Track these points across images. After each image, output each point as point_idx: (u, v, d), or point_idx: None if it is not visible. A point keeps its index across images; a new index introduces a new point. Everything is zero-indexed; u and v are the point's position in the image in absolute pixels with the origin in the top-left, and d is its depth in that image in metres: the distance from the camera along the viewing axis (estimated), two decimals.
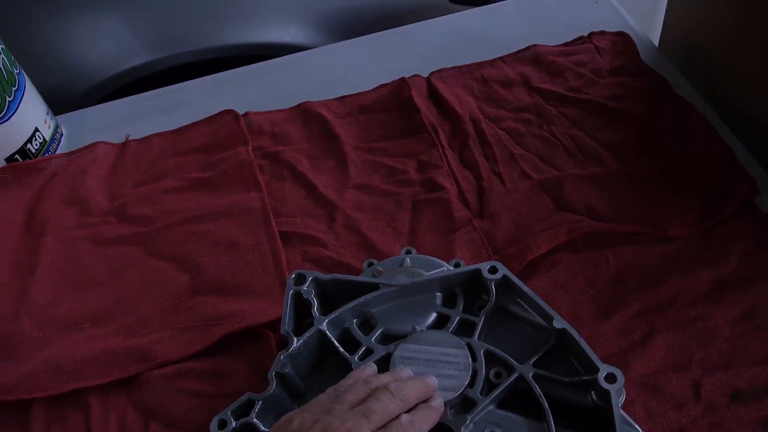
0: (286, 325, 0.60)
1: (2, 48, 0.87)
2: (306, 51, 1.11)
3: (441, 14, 1.13)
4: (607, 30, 1.00)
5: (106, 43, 1.32)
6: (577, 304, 0.70)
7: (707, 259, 0.72)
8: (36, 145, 0.92)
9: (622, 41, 0.98)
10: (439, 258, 0.68)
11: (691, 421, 0.60)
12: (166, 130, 0.97)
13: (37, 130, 0.92)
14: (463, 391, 0.55)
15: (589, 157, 0.83)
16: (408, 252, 0.68)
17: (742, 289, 0.69)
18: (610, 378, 0.52)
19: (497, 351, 0.57)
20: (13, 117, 0.87)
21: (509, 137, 0.87)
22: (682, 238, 0.74)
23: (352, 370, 0.57)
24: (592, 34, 1.00)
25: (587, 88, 0.91)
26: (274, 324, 0.70)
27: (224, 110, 0.96)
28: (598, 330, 0.68)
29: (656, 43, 1.02)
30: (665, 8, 1.02)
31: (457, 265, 0.64)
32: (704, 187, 0.78)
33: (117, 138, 0.97)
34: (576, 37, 1.00)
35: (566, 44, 0.99)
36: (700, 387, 0.62)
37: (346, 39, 1.12)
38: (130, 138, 0.96)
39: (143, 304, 0.76)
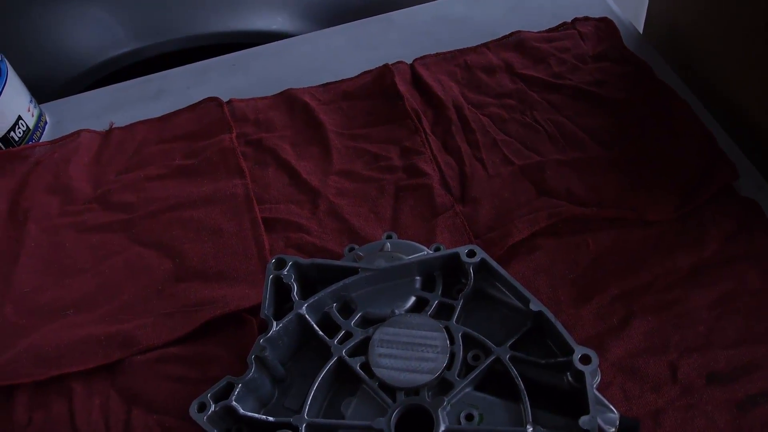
0: (266, 310, 0.60)
1: None
2: (290, 38, 1.11)
3: (426, 0, 1.13)
4: (591, 16, 1.00)
5: (90, 32, 1.31)
6: (556, 289, 0.70)
7: (686, 243, 0.73)
8: (19, 133, 0.92)
9: (606, 27, 0.98)
10: (420, 243, 0.68)
11: (668, 403, 0.61)
12: (150, 117, 0.96)
13: (20, 118, 0.92)
14: (441, 373, 0.55)
15: (570, 142, 0.84)
16: (389, 237, 0.69)
17: (720, 273, 0.70)
18: (585, 359, 0.53)
19: (475, 334, 0.57)
20: None
21: (492, 123, 0.87)
22: (661, 223, 0.75)
23: (331, 354, 0.57)
24: (575, 20, 1.00)
25: (570, 74, 0.92)
26: (257, 309, 0.70)
27: (208, 98, 0.96)
28: (577, 314, 0.68)
29: (640, 30, 1.02)
30: None
31: (437, 250, 0.65)
32: (684, 171, 0.79)
33: (101, 126, 0.97)
34: (560, 23, 1.00)
35: (550, 30, 0.99)
36: (677, 369, 0.63)
37: (330, 26, 1.12)
38: (114, 126, 0.96)
39: (126, 290, 0.76)
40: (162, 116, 0.96)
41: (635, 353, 0.64)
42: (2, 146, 0.91)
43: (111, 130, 0.95)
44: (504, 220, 0.76)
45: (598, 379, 0.55)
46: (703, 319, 0.67)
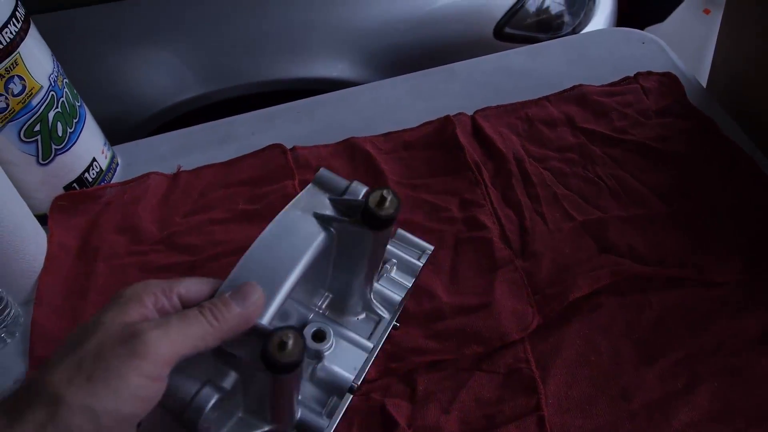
0: None
1: (66, 82, 0.91)
2: (353, 87, 1.13)
3: (486, 50, 1.15)
4: (654, 71, 1.00)
5: (161, 76, 1.37)
6: (618, 349, 0.69)
7: (754, 305, 0.71)
8: (93, 174, 0.96)
9: (669, 82, 0.97)
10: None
11: None
12: (216, 162, 1.00)
13: (94, 159, 0.96)
14: None
15: (633, 198, 0.83)
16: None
17: None
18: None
19: None
20: (73, 147, 0.91)
21: (553, 177, 0.87)
22: (727, 284, 0.73)
23: None
24: (638, 74, 1.00)
25: (632, 128, 0.91)
26: None
27: (272, 144, 0.99)
28: (640, 376, 0.67)
29: (704, 84, 1.02)
30: (714, 49, 1.01)
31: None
32: (751, 231, 0.77)
33: (169, 169, 1.00)
34: (622, 77, 1.00)
35: (612, 84, 0.99)
36: None
37: (393, 76, 1.14)
38: (181, 169, 0.99)
39: None
40: (227, 161, 0.99)
41: (701, 420, 0.63)
42: (77, 186, 0.95)
43: (178, 174, 0.98)
44: (564, 276, 0.75)
45: None
46: None
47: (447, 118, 0.96)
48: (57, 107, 0.86)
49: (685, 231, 0.78)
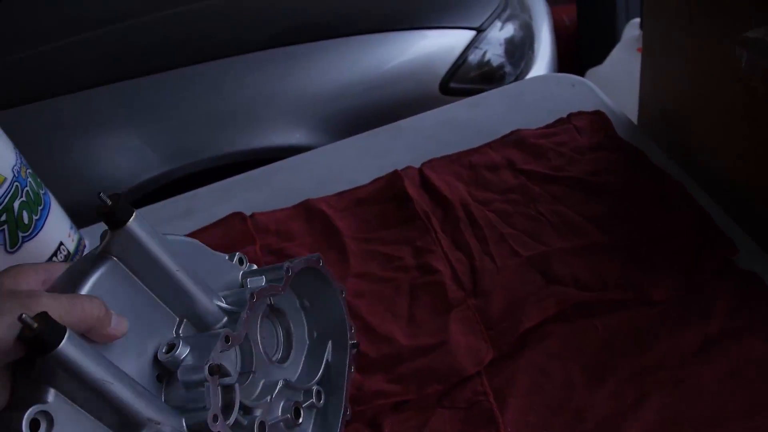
0: None
1: (30, 173, 0.95)
2: (307, 152, 1.18)
3: (434, 106, 1.21)
4: (585, 110, 1.07)
5: (124, 158, 1.42)
6: (570, 373, 0.73)
7: (691, 320, 0.75)
8: (61, 257, 0.99)
9: (599, 119, 1.04)
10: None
11: None
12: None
13: (61, 243, 0.99)
14: None
15: (574, 230, 0.88)
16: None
17: (728, 346, 0.72)
18: None
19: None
20: (39, 234, 0.94)
21: (498, 218, 0.92)
22: (666, 301, 0.77)
23: None
24: (570, 115, 1.06)
25: (569, 165, 0.97)
26: None
27: (232, 213, 1.03)
28: (592, 397, 0.70)
29: (634, 120, 1.08)
30: (639, 86, 1.09)
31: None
32: (684, 250, 0.82)
33: None
34: (556, 119, 1.07)
35: (547, 126, 1.06)
36: None
37: (346, 136, 1.20)
38: None
39: None
40: (191, 233, 1.03)
41: None
42: None
43: None
44: (514, 309, 0.79)
45: None
46: (715, 394, 0.68)
47: (395, 172, 1.02)
48: (22, 196, 0.90)
49: (623, 256, 0.83)
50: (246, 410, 0.57)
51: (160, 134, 1.47)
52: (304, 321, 0.72)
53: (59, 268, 0.50)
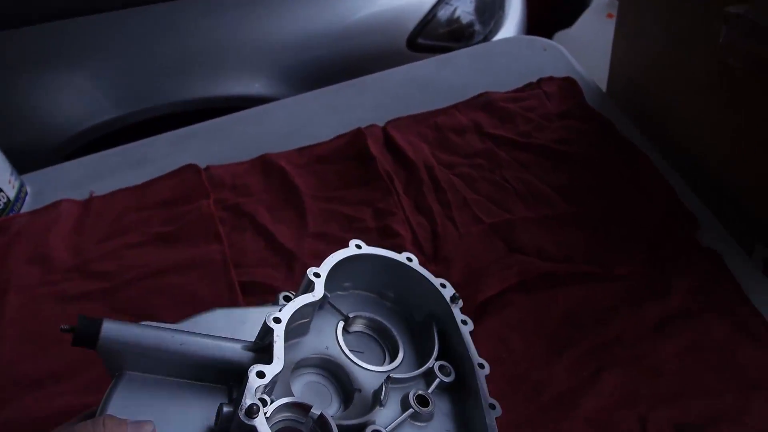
0: None
1: None
2: (268, 104, 1.14)
3: (400, 62, 1.17)
4: (555, 76, 1.04)
5: (73, 101, 1.34)
6: (529, 344, 0.72)
7: (652, 296, 0.75)
8: (0, 205, 0.93)
9: (569, 86, 1.02)
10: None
11: None
12: (130, 186, 0.98)
13: (0, 190, 0.93)
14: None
15: (538, 199, 0.86)
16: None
17: (687, 323, 0.72)
18: None
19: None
20: None
21: (462, 182, 0.89)
22: (628, 277, 0.77)
23: None
24: (540, 80, 1.04)
25: (536, 132, 0.95)
26: None
27: (186, 165, 0.98)
28: (550, 369, 0.69)
29: (603, 88, 1.06)
30: (610, 54, 1.07)
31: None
32: (648, 225, 0.81)
33: (82, 195, 0.98)
34: (526, 83, 1.04)
35: (516, 90, 1.03)
36: (647, 422, 0.64)
37: (309, 90, 1.15)
38: (94, 195, 0.98)
39: None
40: (141, 184, 0.98)
41: (606, 407, 0.66)
42: None
43: (91, 199, 0.97)
44: (475, 277, 0.78)
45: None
46: (670, 371, 0.68)
47: (359, 130, 0.98)
48: None
49: (589, 229, 0.82)
50: (358, 428, 0.53)
51: (113, 77, 1.40)
52: (396, 312, 0.66)
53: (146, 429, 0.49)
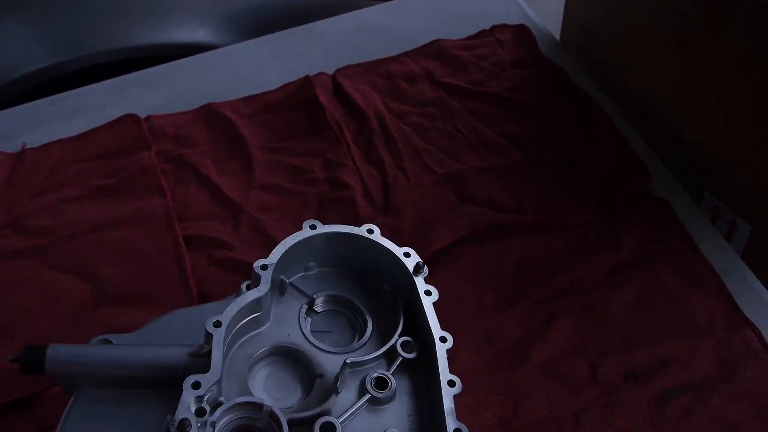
0: None
1: None
2: (211, 51, 1.09)
3: (350, 8, 1.13)
4: (509, 23, 1.02)
5: (2, 47, 1.26)
6: (481, 295, 0.71)
7: (604, 245, 0.75)
8: None
9: (523, 34, 1.00)
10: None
11: (589, 403, 0.63)
12: (66, 137, 0.93)
13: None
14: None
15: (491, 149, 0.85)
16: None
17: (637, 273, 0.72)
18: None
19: None
20: None
21: (414, 132, 0.88)
22: (580, 227, 0.77)
23: None
24: (494, 27, 1.01)
25: (489, 81, 0.93)
26: None
27: (125, 114, 0.94)
28: (502, 319, 0.69)
29: (557, 36, 1.05)
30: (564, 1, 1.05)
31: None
32: (600, 175, 0.81)
33: (13, 147, 0.93)
34: (478, 30, 1.01)
35: (469, 38, 1.01)
36: (597, 369, 0.65)
37: (255, 36, 1.11)
38: (26, 147, 0.92)
39: (43, 319, 0.73)
40: (78, 135, 0.93)
41: (558, 356, 0.66)
42: None
43: (23, 152, 0.92)
44: (426, 228, 0.76)
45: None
46: (621, 319, 0.69)
47: (307, 78, 0.95)
48: None
49: (541, 178, 0.81)
50: (313, 419, 0.52)
51: (46, 22, 1.31)
52: (367, 285, 0.64)
53: None
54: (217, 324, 0.52)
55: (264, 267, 0.56)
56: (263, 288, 0.55)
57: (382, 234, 0.75)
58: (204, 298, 0.73)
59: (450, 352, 0.66)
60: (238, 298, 0.54)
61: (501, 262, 0.74)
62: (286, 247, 0.58)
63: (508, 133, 0.86)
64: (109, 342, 0.58)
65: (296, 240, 0.59)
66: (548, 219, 0.77)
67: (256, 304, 0.56)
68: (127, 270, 0.77)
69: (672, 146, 0.84)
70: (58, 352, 0.53)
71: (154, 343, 0.56)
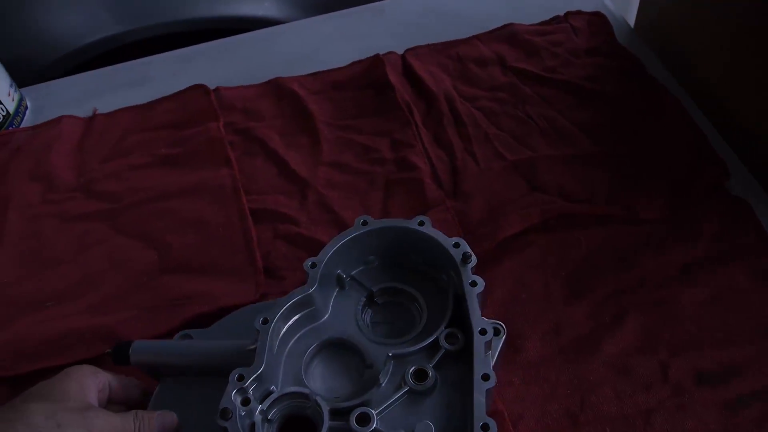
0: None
1: None
2: (278, 26, 1.08)
3: None
4: (584, 10, 0.99)
5: (73, 14, 1.28)
6: (548, 285, 0.70)
7: (677, 241, 0.72)
8: None
9: (598, 21, 0.97)
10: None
11: (659, 403, 0.61)
12: (133, 105, 0.94)
13: (0, 102, 0.89)
14: None
15: (563, 137, 0.83)
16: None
17: (710, 272, 0.70)
18: None
19: None
20: None
21: (484, 117, 0.86)
22: (653, 221, 0.74)
23: None
24: (568, 13, 0.99)
25: (562, 68, 0.91)
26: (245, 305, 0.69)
27: (194, 85, 0.94)
28: (570, 311, 0.68)
29: (632, 24, 1.02)
30: None
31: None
32: (676, 169, 0.78)
33: (82, 112, 0.94)
34: (552, 16, 0.99)
35: (542, 23, 0.98)
36: (668, 368, 0.63)
37: (319, 14, 1.10)
38: (97, 112, 0.93)
39: (109, 282, 0.74)
40: (146, 104, 0.94)
41: (627, 352, 0.64)
42: None
43: (94, 117, 0.93)
44: (495, 215, 0.75)
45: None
46: (693, 318, 0.66)
47: (377, 57, 0.94)
48: None
49: (613, 169, 0.79)
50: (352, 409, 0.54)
51: None
52: (427, 276, 0.65)
53: (116, 379, 0.57)
54: (265, 321, 0.56)
55: (313, 265, 0.59)
56: (310, 286, 0.59)
57: (450, 219, 0.75)
58: (269, 272, 0.73)
59: (516, 342, 0.66)
60: (285, 298, 0.58)
61: (570, 252, 0.72)
62: (336, 245, 0.61)
63: (581, 122, 0.84)
64: (189, 337, 0.63)
65: (346, 238, 0.61)
66: (620, 211, 0.75)
67: (307, 300, 0.59)
68: (192, 239, 0.77)
69: (752, 145, 0.81)
70: (140, 347, 0.59)
71: (224, 338, 0.61)
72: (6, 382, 0.66)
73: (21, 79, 0.99)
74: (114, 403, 0.57)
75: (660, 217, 0.75)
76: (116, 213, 0.81)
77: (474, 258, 0.59)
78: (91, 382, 0.54)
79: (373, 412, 0.53)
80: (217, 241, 0.76)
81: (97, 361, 0.67)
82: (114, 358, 0.59)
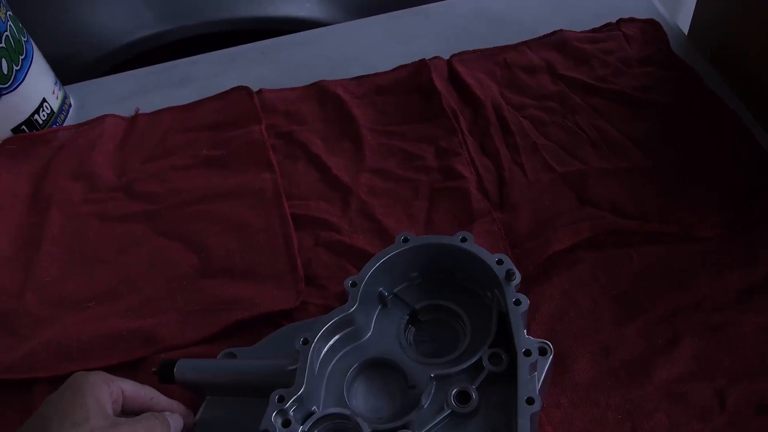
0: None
1: (10, 15, 0.84)
2: (322, 28, 1.07)
3: None
4: (637, 17, 0.96)
5: (116, 12, 1.28)
6: (598, 304, 0.67)
7: (735, 262, 0.69)
8: (43, 116, 0.89)
9: (652, 29, 0.94)
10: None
11: None
12: (175, 104, 0.94)
13: (44, 100, 0.89)
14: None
15: (614, 149, 0.80)
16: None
17: None
18: None
19: None
20: (20, 86, 0.84)
21: (532, 126, 0.84)
22: (708, 240, 0.71)
23: None
24: (620, 21, 0.96)
25: (614, 77, 0.88)
26: (286, 313, 0.68)
27: (237, 86, 0.93)
28: (621, 332, 0.65)
29: (685, 32, 0.99)
30: None
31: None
32: (733, 187, 0.75)
33: (125, 111, 0.94)
34: (604, 23, 0.96)
35: (593, 30, 0.95)
36: (725, 397, 0.60)
37: (363, 16, 1.09)
38: (140, 112, 0.93)
39: (149, 284, 0.74)
40: (189, 104, 0.94)
41: (682, 378, 0.61)
42: (26, 129, 0.88)
43: (136, 116, 0.93)
44: (544, 229, 0.73)
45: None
46: (753, 344, 0.63)
47: (422, 61, 0.92)
48: (1, 42, 0.80)
49: (667, 185, 0.76)
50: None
51: None
52: (472, 292, 0.63)
53: (128, 386, 0.55)
54: (305, 341, 0.56)
55: (354, 284, 0.58)
56: (351, 305, 0.57)
57: (497, 230, 0.73)
58: (309, 279, 0.72)
59: (564, 362, 0.64)
60: (327, 316, 0.57)
61: (621, 270, 0.70)
62: (376, 264, 0.60)
63: (633, 134, 0.81)
64: (233, 355, 0.63)
65: (387, 255, 0.60)
66: (674, 228, 0.72)
67: (348, 320, 0.58)
68: (232, 243, 0.76)
69: None
70: (185, 366, 0.60)
71: (268, 357, 0.61)
72: (45, 382, 0.66)
73: (64, 76, 0.99)
74: (126, 411, 0.55)
75: (716, 237, 0.71)
76: (157, 214, 0.81)
77: (518, 275, 0.57)
78: (105, 394, 0.52)
79: None
80: (257, 246, 0.75)
81: (135, 364, 0.67)
82: (159, 377, 0.60)
